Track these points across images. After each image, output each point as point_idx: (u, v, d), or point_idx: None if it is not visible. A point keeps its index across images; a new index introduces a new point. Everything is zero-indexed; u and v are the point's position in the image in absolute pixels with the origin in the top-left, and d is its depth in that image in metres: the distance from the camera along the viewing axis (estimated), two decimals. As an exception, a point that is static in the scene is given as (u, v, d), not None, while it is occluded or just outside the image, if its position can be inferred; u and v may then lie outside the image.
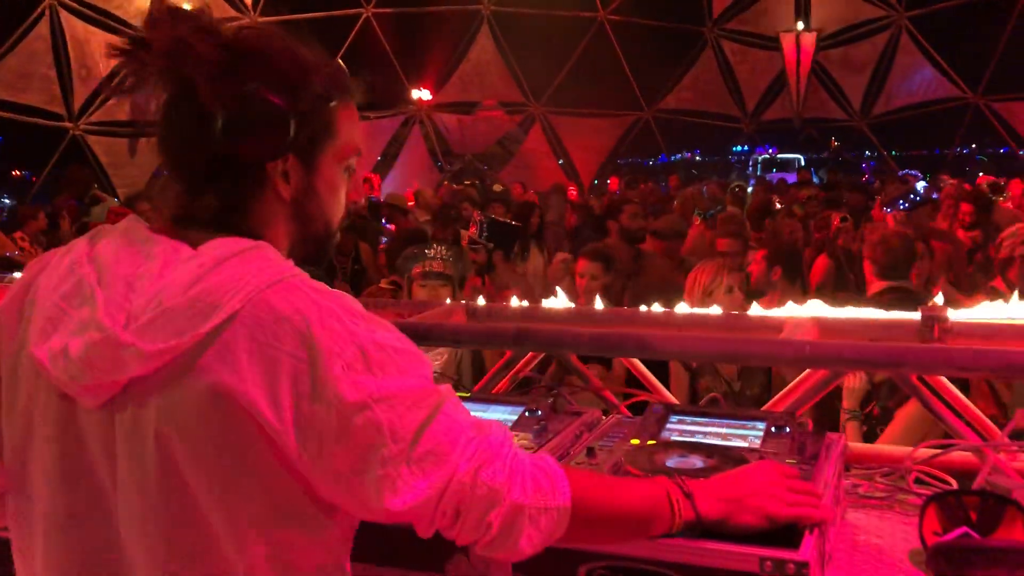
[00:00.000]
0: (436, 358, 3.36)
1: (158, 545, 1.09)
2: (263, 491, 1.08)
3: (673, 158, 24.50)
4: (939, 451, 1.84)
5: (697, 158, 29.76)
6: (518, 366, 2.35)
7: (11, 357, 1.17)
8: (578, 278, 4.70)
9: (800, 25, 17.47)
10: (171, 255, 1.11)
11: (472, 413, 1.84)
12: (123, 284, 1.09)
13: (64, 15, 14.47)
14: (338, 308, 1.08)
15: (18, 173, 23.31)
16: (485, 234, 5.50)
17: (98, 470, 1.11)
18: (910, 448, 1.93)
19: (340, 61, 1.26)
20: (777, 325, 2.13)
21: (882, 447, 2.07)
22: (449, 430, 1.10)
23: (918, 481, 1.80)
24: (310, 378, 1.04)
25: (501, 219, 6.07)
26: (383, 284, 4.49)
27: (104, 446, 1.10)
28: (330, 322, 1.06)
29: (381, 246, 7.17)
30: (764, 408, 2.10)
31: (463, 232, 5.88)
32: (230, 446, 1.05)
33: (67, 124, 14.84)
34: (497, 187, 11.50)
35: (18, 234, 7.67)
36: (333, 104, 1.23)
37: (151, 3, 1.17)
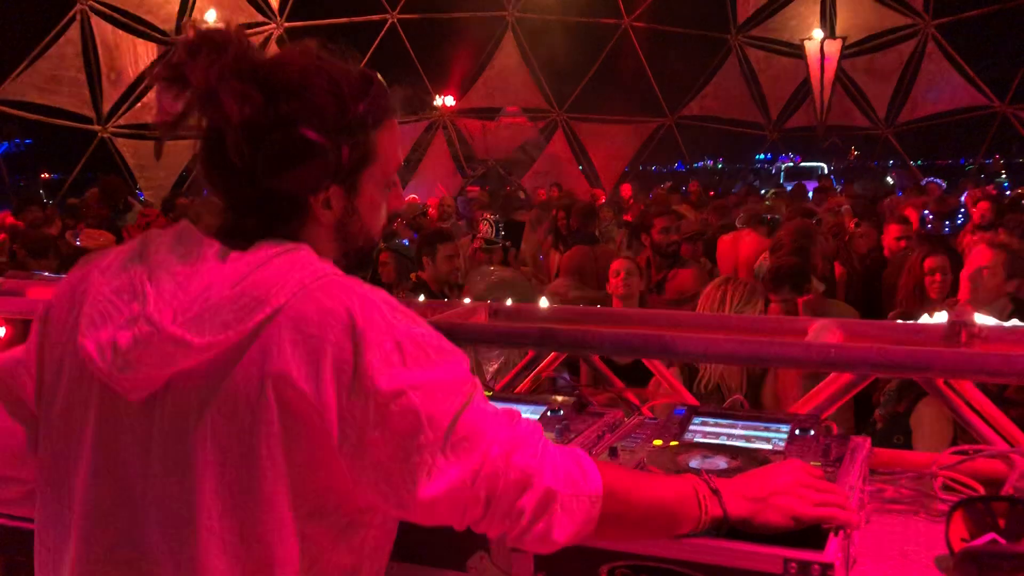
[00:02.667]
0: (494, 361, 3.42)
1: (187, 540, 1.09)
2: (301, 484, 1.09)
3: (696, 165, 24.42)
4: (966, 457, 1.82)
5: (720, 165, 29.65)
6: (541, 366, 2.35)
7: (58, 347, 1.20)
8: (612, 277, 4.72)
9: (825, 33, 17.36)
10: (219, 257, 1.14)
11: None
12: (172, 283, 1.11)
13: (95, 20, 14.68)
14: (380, 302, 1.11)
15: (47, 175, 23.63)
16: (502, 233, 5.54)
17: (131, 465, 1.13)
18: (936, 453, 1.91)
19: (379, 76, 1.26)
20: (802, 329, 2.12)
21: (908, 451, 2.05)
22: (483, 417, 1.12)
23: (944, 487, 1.77)
24: (352, 368, 1.06)
25: (511, 219, 6.13)
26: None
27: (140, 440, 1.12)
28: (372, 315, 1.09)
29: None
30: (790, 411, 2.09)
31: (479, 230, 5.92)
32: (274, 436, 1.07)
33: (96, 127, 15.03)
34: (521, 194, 11.55)
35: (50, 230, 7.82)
36: (374, 131, 1.23)
37: (189, 30, 1.18)
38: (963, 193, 11.08)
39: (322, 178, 1.19)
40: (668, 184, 15.38)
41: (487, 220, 5.76)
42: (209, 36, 1.15)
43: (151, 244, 1.18)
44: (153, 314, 1.08)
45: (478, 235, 5.80)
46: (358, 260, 1.30)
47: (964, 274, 4.07)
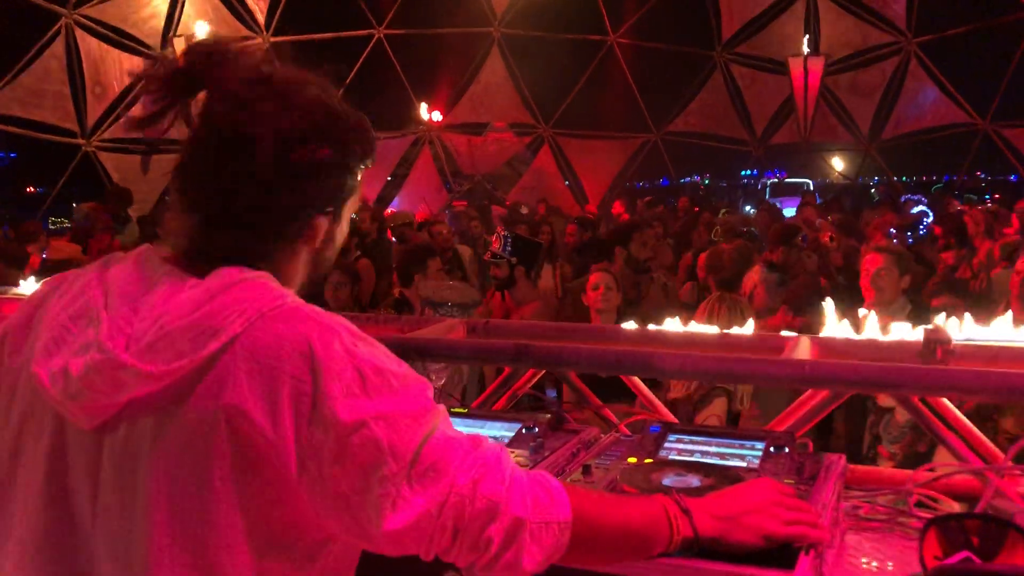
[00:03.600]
0: (440, 376, 3.35)
1: (139, 573, 1.06)
2: (257, 518, 1.06)
3: (682, 181, 24.51)
4: (941, 474, 1.82)
5: (706, 182, 29.78)
6: (518, 383, 2.34)
7: (12, 373, 1.17)
8: (590, 291, 4.70)
9: (809, 50, 17.51)
10: (178, 283, 1.12)
11: (469, 429, 1.85)
12: (128, 308, 1.10)
13: (80, 33, 14.62)
14: (340, 329, 1.09)
15: (32, 190, 23.51)
16: (508, 249, 5.52)
17: (79, 494, 1.10)
18: (911, 470, 1.91)
19: (363, 116, 1.28)
20: (777, 345, 2.12)
21: (883, 468, 2.05)
22: (448, 446, 1.10)
23: (920, 504, 1.77)
24: (311, 399, 1.04)
25: (526, 236, 6.10)
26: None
27: (89, 470, 1.09)
28: (331, 343, 1.07)
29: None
30: (765, 428, 2.09)
31: (487, 245, 5.87)
32: (227, 469, 1.04)
33: (80, 141, 14.95)
34: (524, 209, 11.54)
35: (28, 247, 7.73)
36: (368, 162, 1.27)
37: (197, 44, 1.18)
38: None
39: (330, 200, 1.21)
40: (648, 198, 15.42)
41: (500, 235, 5.76)
42: (225, 44, 1.17)
43: (110, 268, 1.17)
44: (106, 341, 1.06)
45: (491, 247, 5.81)
46: (311, 288, 1.29)
47: (863, 282, 4.31)
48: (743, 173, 25.83)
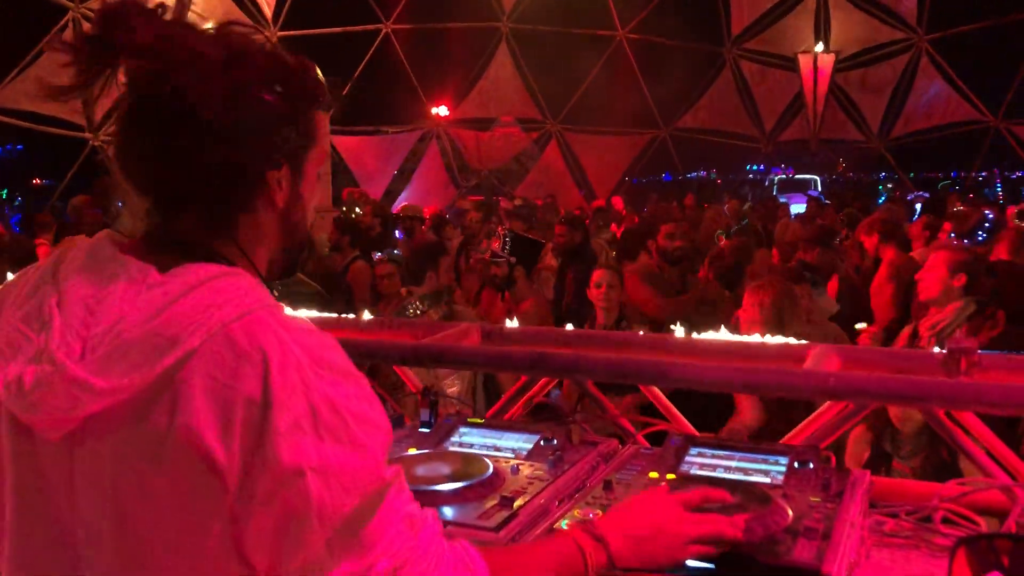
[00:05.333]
0: (453, 383, 3.33)
1: None
2: (207, 543, 0.99)
3: (689, 176, 24.47)
4: (967, 490, 1.78)
5: (713, 176, 29.71)
6: (533, 390, 2.31)
7: None
8: (593, 288, 4.70)
9: (819, 46, 17.43)
10: (136, 279, 1.04)
11: (486, 440, 1.83)
12: (82, 308, 1.02)
13: (87, 27, 14.58)
14: (302, 353, 1.00)
15: (38, 181, 23.56)
16: (507, 248, 5.50)
17: (58, 502, 1.05)
18: (937, 484, 1.88)
19: (303, 56, 1.19)
20: (800, 354, 2.09)
21: (906, 481, 2.01)
22: (381, 521, 1.02)
23: (945, 520, 1.73)
24: (258, 428, 0.97)
25: (524, 235, 6.08)
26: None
27: (64, 479, 1.04)
28: (290, 369, 0.98)
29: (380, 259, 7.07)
30: (784, 440, 2.06)
31: (486, 244, 5.86)
32: (181, 490, 0.98)
33: (87, 135, 14.96)
34: (517, 201, 11.50)
35: (38, 241, 7.73)
36: (315, 111, 1.17)
37: (103, 6, 1.07)
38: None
39: (281, 149, 1.12)
40: (654, 196, 15.41)
41: (500, 235, 5.74)
42: (150, 7, 1.07)
43: (63, 262, 1.09)
44: (56, 352, 0.99)
45: (492, 247, 5.80)
46: (292, 260, 1.23)
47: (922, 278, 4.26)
48: (749, 168, 25.77)
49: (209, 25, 1.12)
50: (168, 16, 1.08)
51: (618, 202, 14.56)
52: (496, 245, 5.61)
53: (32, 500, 1.07)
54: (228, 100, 1.06)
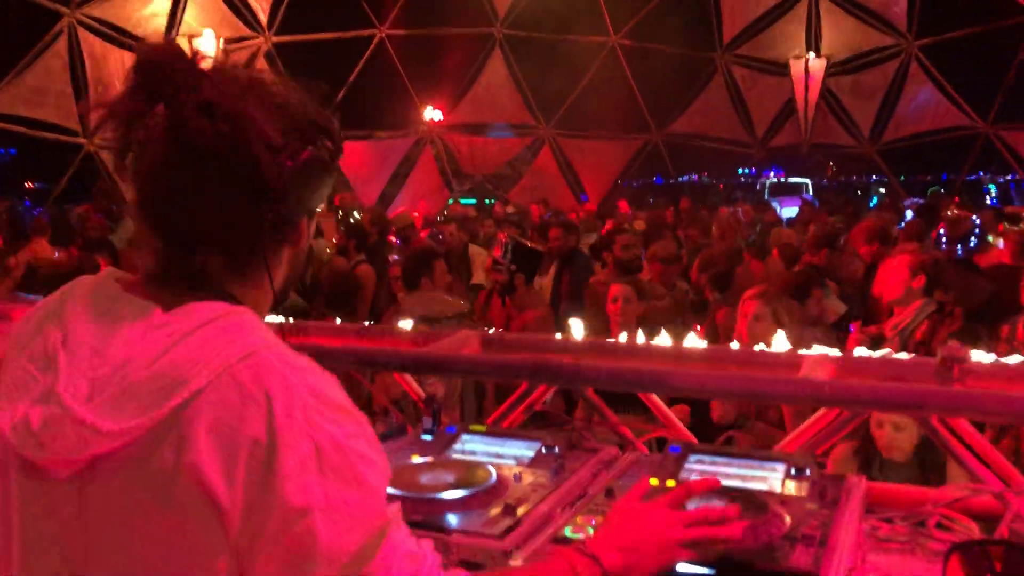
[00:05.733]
0: (435, 384, 3.34)
1: None
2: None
3: (681, 179, 24.54)
4: (961, 495, 1.82)
5: (706, 180, 29.77)
6: (532, 396, 2.34)
7: None
8: (610, 303, 4.68)
9: (810, 53, 17.53)
10: (141, 319, 1.05)
11: (488, 448, 1.86)
12: (88, 349, 1.04)
13: (82, 33, 14.63)
14: (308, 393, 1.02)
15: (31, 185, 23.49)
16: (508, 256, 5.51)
17: (67, 540, 1.05)
18: (932, 489, 1.91)
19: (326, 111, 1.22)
20: (795, 362, 2.12)
21: (900, 486, 2.05)
22: (384, 558, 1.04)
23: (939, 526, 1.77)
24: (263, 468, 0.98)
25: (525, 243, 6.09)
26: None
27: (72, 516, 1.05)
28: (295, 410, 1.00)
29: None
30: (779, 447, 2.09)
31: (486, 253, 5.83)
32: (188, 528, 1.00)
33: (81, 140, 14.94)
34: (509, 208, 11.52)
35: (34, 240, 7.75)
36: (339, 155, 1.21)
37: (151, 53, 1.09)
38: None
39: (316, 201, 1.17)
40: (651, 200, 15.46)
41: (501, 242, 5.74)
42: (179, 51, 1.09)
43: (68, 300, 1.11)
44: (63, 393, 1.01)
45: (493, 254, 5.80)
46: (288, 291, 1.26)
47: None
48: (740, 172, 25.83)
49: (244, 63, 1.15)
50: (212, 66, 1.10)
51: (623, 205, 14.57)
52: (498, 252, 5.62)
53: (40, 538, 1.07)
54: (288, 167, 1.10)
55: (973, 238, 8.59)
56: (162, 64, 1.07)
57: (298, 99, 1.15)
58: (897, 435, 2.96)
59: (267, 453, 0.98)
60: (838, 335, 5.18)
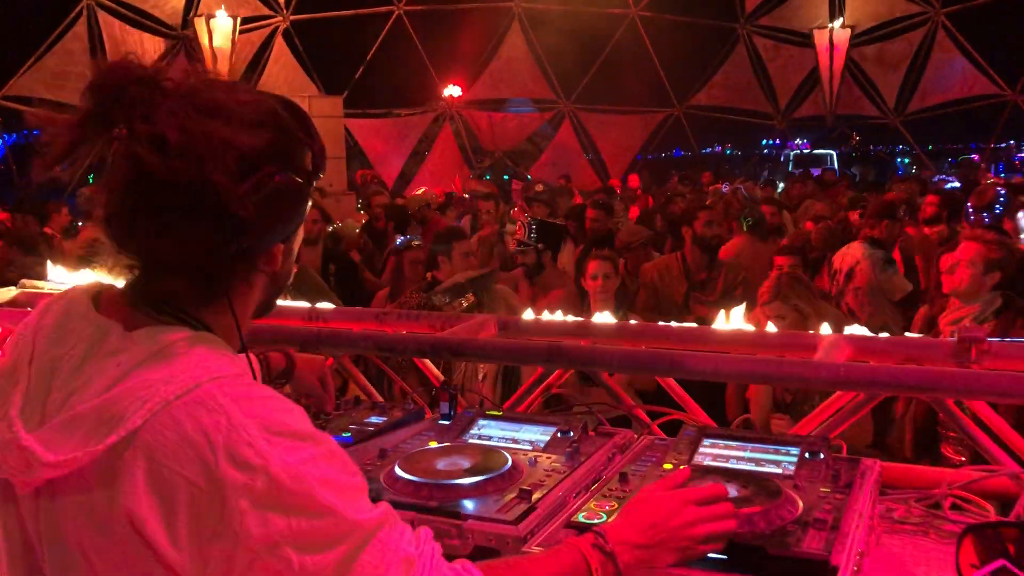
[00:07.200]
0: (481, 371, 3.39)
1: None
2: None
3: (704, 152, 24.34)
4: (976, 476, 1.81)
5: (727, 152, 29.51)
6: (549, 380, 2.35)
7: None
8: (589, 280, 4.66)
9: (835, 22, 17.23)
10: (98, 344, 1.05)
11: (504, 433, 1.88)
12: (47, 371, 1.04)
13: (101, 15, 14.68)
14: (255, 426, 0.98)
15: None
16: (533, 235, 5.47)
17: (38, 553, 1.06)
18: (947, 470, 1.91)
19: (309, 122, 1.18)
20: (811, 344, 2.12)
21: (915, 467, 2.05)
22: (376, 567, 1.01)
23: (954, 507, 1.77)
24: (212, 513, 0.96)
25: (549, 220, 6.05)
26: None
27: (35, 531, 1.05)
28: (240, 447, 0.96)
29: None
30: (794, 429, 2.10)
31: (509, 235, 5.79)
32: (132, 562, 0.98)
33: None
34: (539, 187, 11.41)
35: (46, 229, 7.83)
36: (320, 173, 1.18)
37: (108, 74, 1.03)
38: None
39: (291, 224, 1.14)
40: (683, 173, 15.33)
41: (522, 222, 5.69)
42: (148, 75, 1.04)
43: (47, 314, 1.12)
44: (15, 418, 1.01)
45: (514, 236, 5.75)
46: (273, 301, 1.24)
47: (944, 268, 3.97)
48: (764, 144, 25.58)
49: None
50: (192, 89, 1.05)
51: (634, 180, 14.49)
52: (520, 233, 5.57)
53: (17, 550, 1.08)
54: (257, 194, 1.05)
55: (998, 206, 8.46)
56: (117, 87, 1.03)
57: (273, 120, 1.09)
58: None
59: (212, 499, 0.95)
60: (904, 312, 5.08)
